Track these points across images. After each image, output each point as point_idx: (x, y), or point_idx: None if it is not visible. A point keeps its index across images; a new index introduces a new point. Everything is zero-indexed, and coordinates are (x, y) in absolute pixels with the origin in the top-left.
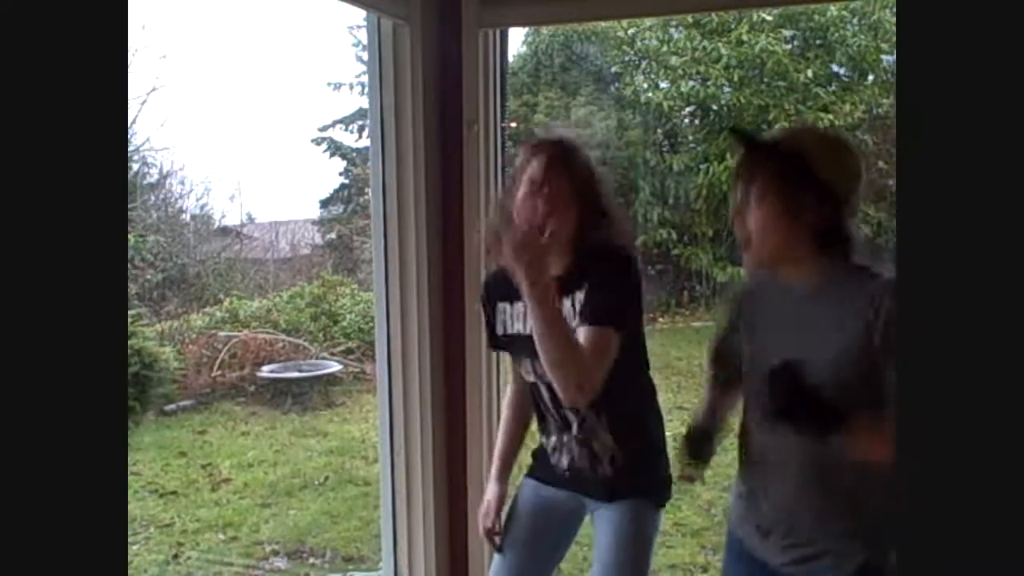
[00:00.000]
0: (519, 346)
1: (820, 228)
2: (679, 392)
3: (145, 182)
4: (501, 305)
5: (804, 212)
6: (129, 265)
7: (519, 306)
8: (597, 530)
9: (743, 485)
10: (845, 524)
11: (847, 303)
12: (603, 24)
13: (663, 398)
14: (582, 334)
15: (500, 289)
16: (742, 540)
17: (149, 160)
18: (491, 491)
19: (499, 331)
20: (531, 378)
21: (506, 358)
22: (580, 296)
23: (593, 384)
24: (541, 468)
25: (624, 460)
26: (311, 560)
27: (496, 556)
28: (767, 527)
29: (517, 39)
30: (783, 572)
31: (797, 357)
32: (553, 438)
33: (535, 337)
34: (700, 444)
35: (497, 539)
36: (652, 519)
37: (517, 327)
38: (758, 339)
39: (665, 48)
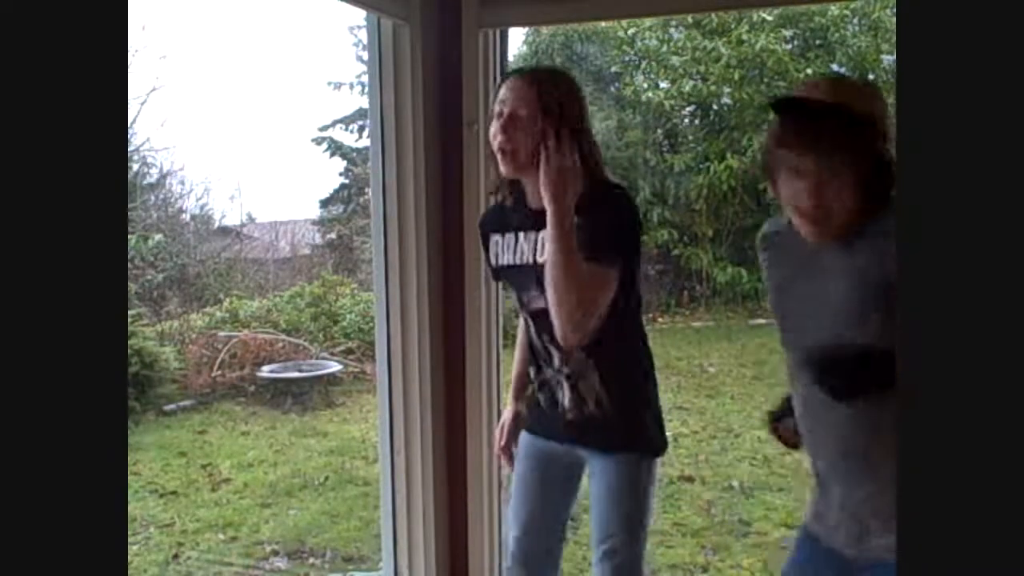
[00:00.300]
0: (508, 277)
1: (879, 189)
2: (679, 392)
3: (145, 182)
4: (494, 237)
5: (870, 175)
6: (129, 265)
7: (509, 237)
8: (592, 483)
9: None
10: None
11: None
12: (603, 24)
13: (663, 398)
14: (587, 268)
15: (493, 222)
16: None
17: (149, 160)
18: (508, 411)
19: (492, 263)
20: (521, 310)
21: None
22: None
23: (588, 323)
24: (536, 420)
25: (611, 406)
26: (311, 560)
27: (509, 512)
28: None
29: (517, 39)
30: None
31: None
32: (542, 373)
33: (547, 264)
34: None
35: (508, 462)
36: (647, 469)
37: (506, 258)
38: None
39: (665, 48)
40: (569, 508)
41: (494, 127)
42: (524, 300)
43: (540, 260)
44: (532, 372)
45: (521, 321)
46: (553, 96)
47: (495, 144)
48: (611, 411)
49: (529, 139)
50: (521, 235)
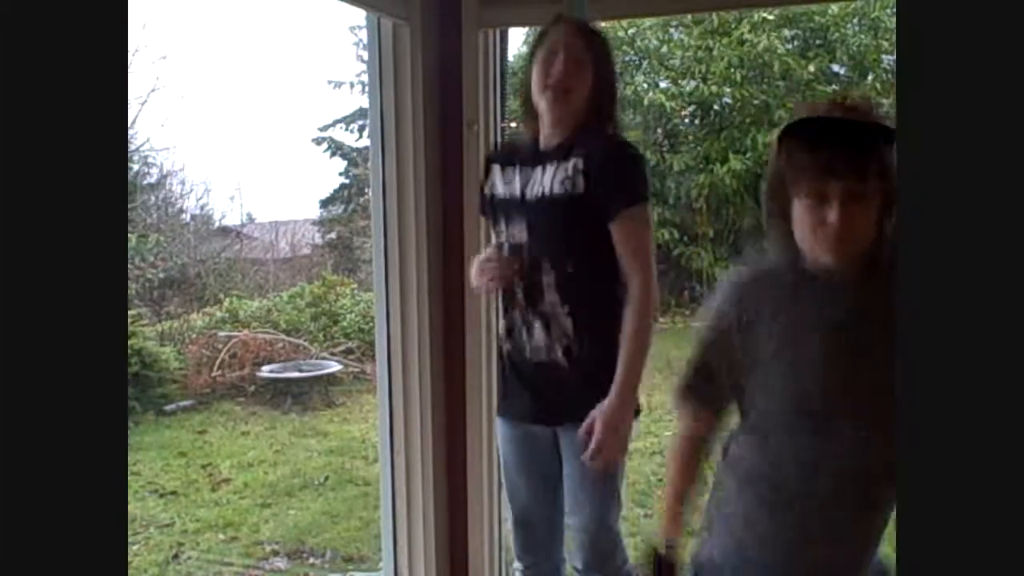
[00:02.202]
0: (498, 207)
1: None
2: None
3: (145, 182)
4: (494, 168)
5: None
6: (129, 265)
7: (509, 170)
8: (564, 451)
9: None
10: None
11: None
12: (603, 24)
13: (663, 398)
14: (621, 224)
15: (502, 156)
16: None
17: (149, 160)
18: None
19: (486, 191)
20: (502, 239)
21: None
22: (572, 164)
23: (652, 269)
24: (508, 404)
25: (580, 355)
26: (311, 560)
27: (506, 494)
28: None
29: (517, 39)
30: None
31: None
32: (515, 312)
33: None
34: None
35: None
36: None
37: (499, 189)
38: (793, 338)
39: (665, 48)
40: (560, 478)
41: (556, 63)
42: (507, 232)
43: (529, 195)
44: (504, 316)
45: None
46: (604, 52)
47: (552, 79)
48: (580, 362)
49: (583, 86)
50: (519, 169)
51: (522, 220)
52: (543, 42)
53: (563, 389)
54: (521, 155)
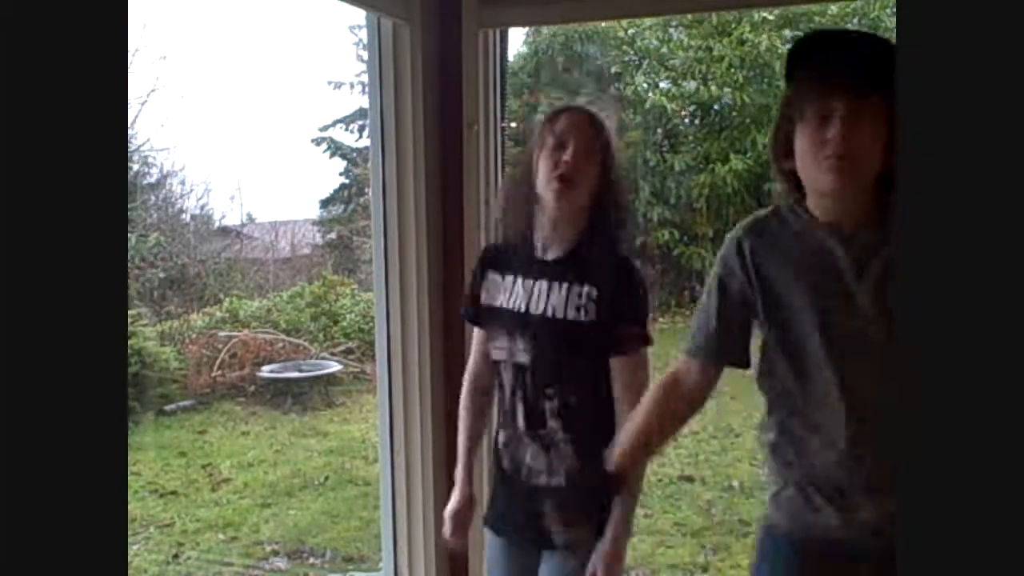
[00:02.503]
0: (497, 320)
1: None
2: None
3: (145, 182)
4: (492, 276)
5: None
6: (129, 265)
7: (508, 280)
8: (546, 569)
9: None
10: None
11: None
12: (603, 24)
13: None
14: (626, 364)
15: (496, 259)
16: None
17: (149, 160)
18: (456, 496)
19: (482, 300)
20: (502, 355)
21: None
22: (586, 291)
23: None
24: (501, 518)
25: (581, 482)
26: (311, 560)
27: None
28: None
29: (517, 39)
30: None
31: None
32: (510, 430)
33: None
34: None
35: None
36: None
37: (500, 300)
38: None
39: (665, 48)
40: None
41: (565, 156)
42: (512, 349)
43: (534, 311)
44: (499, 431)
45: (468, 382)
46: (608, 139)
47: (560, 171)
48: (579, 490)
49: (589, 179)
50: (520, 280)
51: (525, 340)
52: (551, 130)
53: (559, 516)
54: (519, 262)
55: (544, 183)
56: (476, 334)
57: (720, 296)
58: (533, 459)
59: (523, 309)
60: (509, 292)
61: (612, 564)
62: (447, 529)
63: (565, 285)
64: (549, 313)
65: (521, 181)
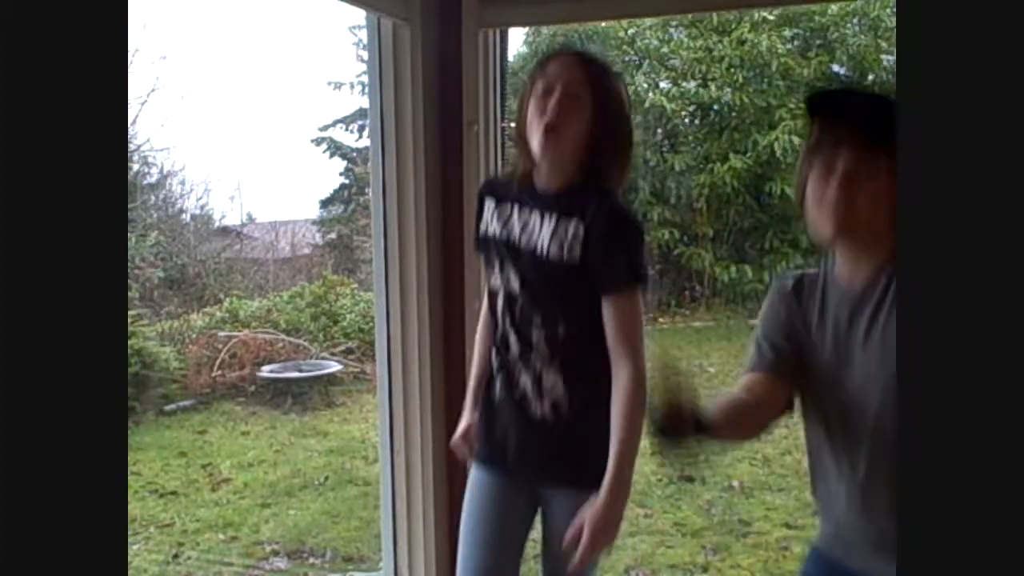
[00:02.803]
0: (492, 248)
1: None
2: None
3: (145, 182)
4: (488, 202)
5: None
6: (129, 265)
7: (504, 209)
8: (548, 517)
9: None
10: None
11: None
12: (603, 24)
13: None
14: (614, 302)
15: (495, 188)
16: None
17: (149, 160)
18: (465, 420)
19: (480, 226)
20: (497, 283)
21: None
22: (573, 230)
23: (642, 354)
24: (489, 451)
25: (568, 417)
26: (311, 560)
27: (460, 550)
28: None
29: (517, 39)
30: None
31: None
32: (503, 356)
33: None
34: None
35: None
36: None
37: (493, 228)
38: (852, 352)
39: (665, 48)
40: (524, 544)
41: (550, 103)
42: (502, 277)
43: (524, 244)
44: (494, 359)
45: (485, 306)
46: (603, 81)
47: (546, 120)
48: (567, 423)
49: (579, 126)
50: (516, 208)
51: (515, 270)
52: (541, 74)
53: (547, 447)
54: (517, 192)
55: (532, 131)
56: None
57: None
58: (525, 386)
59: (514, 240)
60: (504, 222)
61: (599, 529)
62: (458, 455)
63: (554, 221)
64: (534, 248)
65: (519, 124)
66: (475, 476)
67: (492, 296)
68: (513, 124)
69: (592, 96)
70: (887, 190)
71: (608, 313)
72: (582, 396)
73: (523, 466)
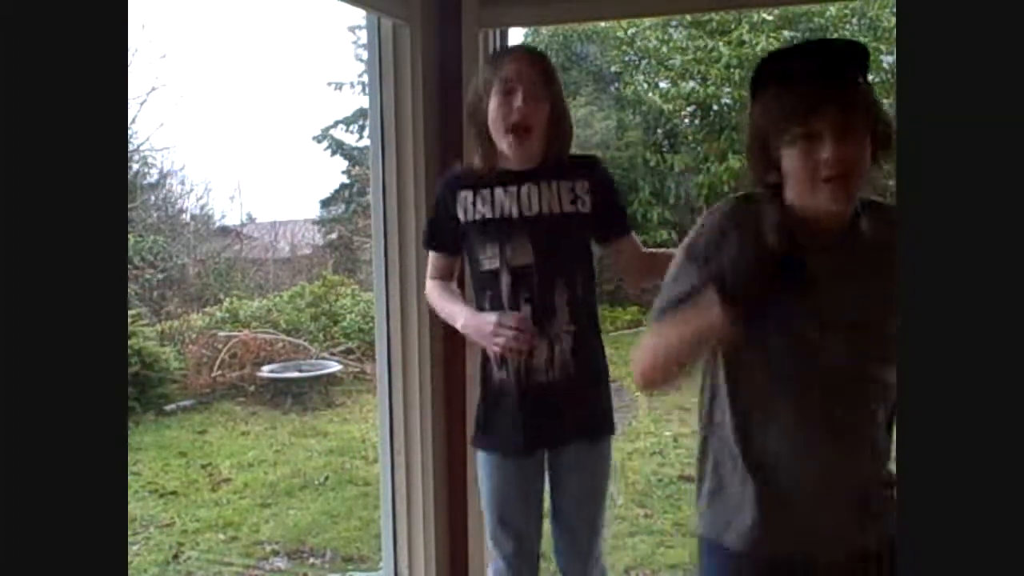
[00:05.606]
0: (484, 231)
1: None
2: (679, 391)
3: (145, 182)
4: (463, 193)
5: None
6: (129, 265)
7: (485, 192)
8: (560, 470)
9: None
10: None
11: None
12: (603, 24)
13: (664, 398)
14: (628, 239)
15: (465, 180)
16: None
17: (149, 160)
18: (469, 315)
19: (462, 218)
20: (495, 264)
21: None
22: (579, 184)
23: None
24: (495, 439)
25: (577, 381)
26: (311, 560)
27: (490, 528)
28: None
29: (517, 39)
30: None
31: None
32: None
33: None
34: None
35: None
36: (608, 452)
37: (482, 211)
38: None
39: (665, 48)
40: (542, 503)
41: (516, 101)
42: (506, 255)
43: (528, 213)
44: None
45: (439, 283)
46: (554, 75)
47: (514, 118)
48: (575, 382)
49: (541, 115)
50: (499, 189)
51: (525, 240)
52: (498, 73)
53: (558, 411)
54: (491, 178)
55: (499, 132)
56: (433, 259)
57: None
58: (536, 358)
59: (515, 214)
60: (491, 202)
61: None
62: (484, 331)
63: (555, 184)
64: (545, 210)
65: (478, 121)
66: (487, 461)
67: (482, 281)
68: (469, 119)
69: (548, 91)
70: (868, 152)
71: (627, 247)
72: (586, 355)
73: (536, 438)
